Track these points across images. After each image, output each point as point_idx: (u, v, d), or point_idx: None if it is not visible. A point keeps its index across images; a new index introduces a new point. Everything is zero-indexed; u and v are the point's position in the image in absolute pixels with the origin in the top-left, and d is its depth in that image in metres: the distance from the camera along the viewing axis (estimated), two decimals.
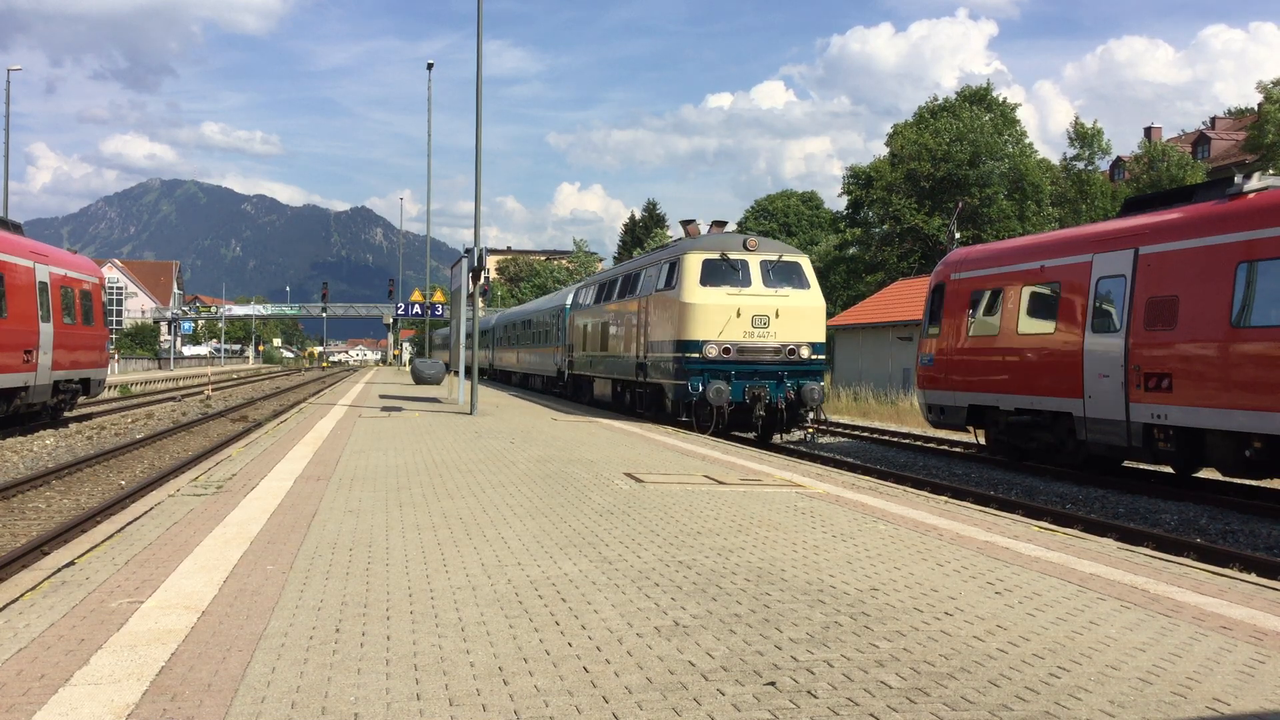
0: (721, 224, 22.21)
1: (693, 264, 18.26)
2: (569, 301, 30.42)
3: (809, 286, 18.52)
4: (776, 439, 19.33)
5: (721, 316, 17.65)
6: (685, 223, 21.54)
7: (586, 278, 33.84)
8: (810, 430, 19.03)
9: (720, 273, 18.13)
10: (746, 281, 18.05)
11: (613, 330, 23.03)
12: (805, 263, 18.91)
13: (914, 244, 57.26)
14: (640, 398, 20.97)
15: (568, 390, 30.09)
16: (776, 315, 17.79)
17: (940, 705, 3.88)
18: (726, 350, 17.63)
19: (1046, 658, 4.55)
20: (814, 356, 18.09)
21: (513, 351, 43.83)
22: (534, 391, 36.12)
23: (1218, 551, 9.39)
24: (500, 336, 48.15)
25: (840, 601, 5.50)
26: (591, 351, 25.36)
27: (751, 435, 18.87)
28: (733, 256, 18.28)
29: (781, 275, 18.39)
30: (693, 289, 18.02)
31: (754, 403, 17.54)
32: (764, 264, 18.33)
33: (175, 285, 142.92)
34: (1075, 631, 5.01)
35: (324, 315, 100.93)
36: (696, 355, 17.65)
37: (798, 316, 18.00)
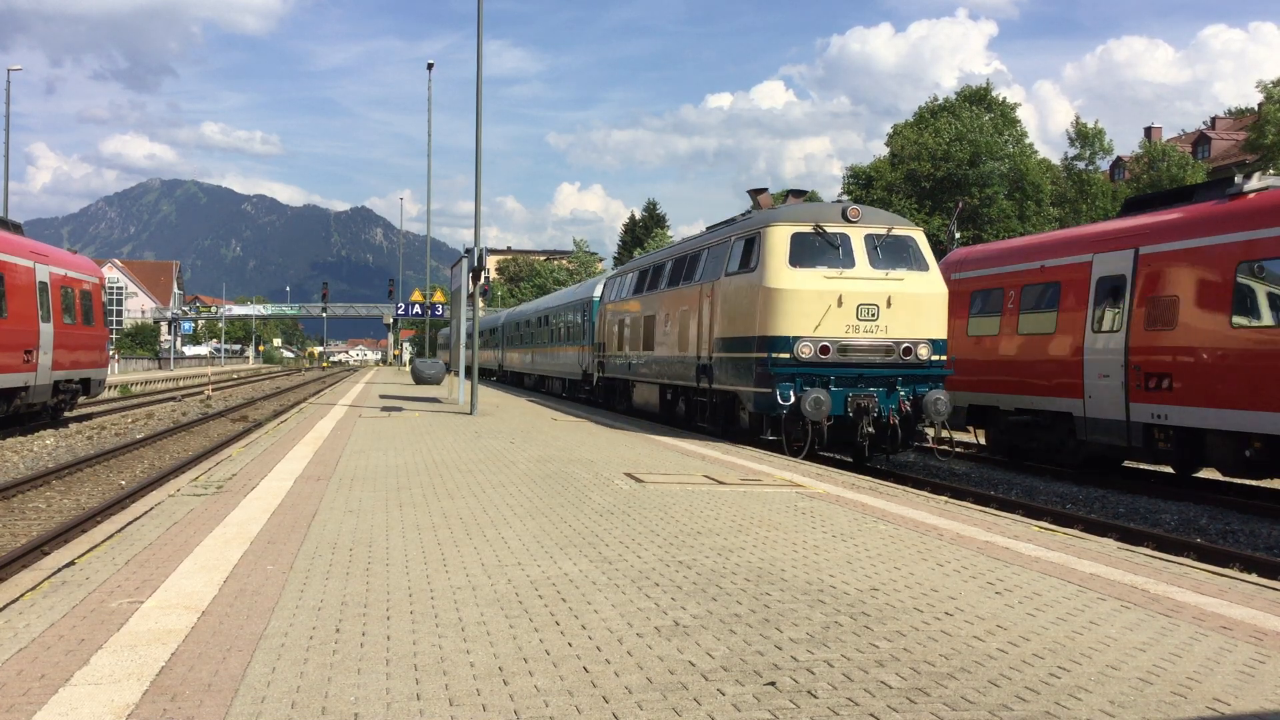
0: (801, 194, 18.39)
1: (779, 238, 14.58)
2: (597, 293, 27.00)
3: (927, 268, 14.85)
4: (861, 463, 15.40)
5: (818, 305, 14.05)
6: (755, 192, 17.68)
7: (620, 266, 26.58)
8: (935, 450, 14.61)
9: (814, 250, 14.52)
10: (849, 261, 14.42)
11: (661, 325, 19.23)
12: (920, 238, 15.25)
13: None
14: (701, 408, 17.32)
15: (598, 396, 26.15)
16: (888, 304, 14.20)
17: (940, 705, 3.88)
18: (824, 349, 14.01)
19: (1047, 658, 4.55)
20: (935, 357, 14.48)
21: (526, 351, 40.39)
22: (553, 396, 32.69)
23: (1218, 551, 9.39)
24: (510, 335, 44.90)
25: (840, 601, 5.50)
26: (631, 351, 21.64)
27: (846, 458, 15.42)
28: (830, 229, 14.59)
29: (892, 253, 14.73)
30: (780, 270, 14.38)
31: (859, 416, 13.96)
32: (870, 239, 14.64)
33: (175, 285, 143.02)
34: (1075, 631, 5.01)
35: (324, 315, 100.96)
36: (786, 356, 14.05)
37: (914, 306, 14.41)
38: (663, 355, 19.07)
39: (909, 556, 6.82)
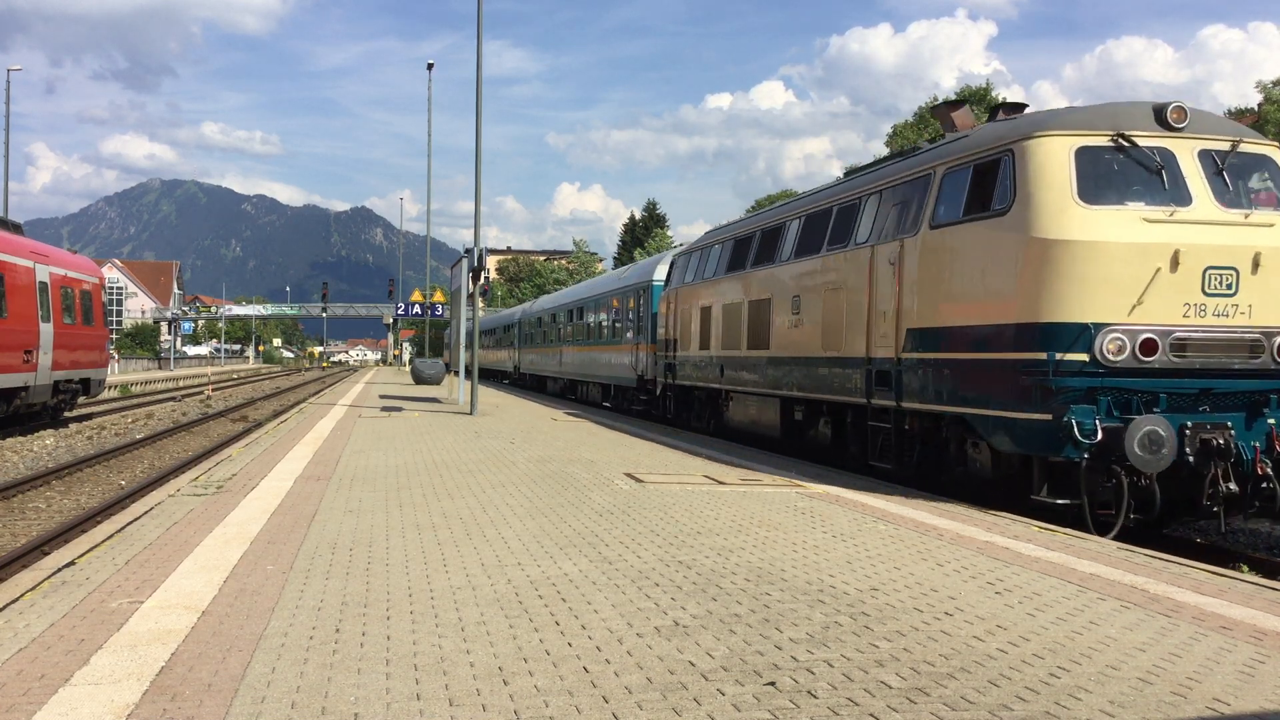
0: (1016, 108, 11.04)
1: (1055, 157, 8.76)
2: (659, 275, 21.70)
3: None
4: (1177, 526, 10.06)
5: (1136, 269, 8.40)
6: (946, 106, 12.12)
7: (701, 236, 21.01)
8: None
9: (1117, 176, 8.84)
10: (1180, 195, 8.69)
11: (782, 312, 13.74)
12: None
13: None
14: (870, 436, 11.45)
15: (665, 409, 20.35)
16: (1254, 268, 8.53)
17: (940, 705, 3.88)
18: (1149, 345, 8.37)
19: (1046, 658, 4.55)
20: None
21: (552, 351, 34.66)
22: (591, 407, 26.88)
23: (1218, 551, 9.39)
24: (530, 332, 39.68)
25: (840, 601, 5.50)
26: (725, 350, 16.14)
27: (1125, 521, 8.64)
28: (1142, 143, 8.82)
29: (1245, 181, 9.17)
30: (1064, 209, 8.59)
31: (1204, 462, 8.35)
32: (1207, 157, 8.90)
33: (175, 285, 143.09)
34: (1075, 631, 5.01)
35: (324, 315, 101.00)
36: (1082, 358, 8.41)
37: None
38: (789, 355, 13.59)
39: (909, 556, 6.82)
